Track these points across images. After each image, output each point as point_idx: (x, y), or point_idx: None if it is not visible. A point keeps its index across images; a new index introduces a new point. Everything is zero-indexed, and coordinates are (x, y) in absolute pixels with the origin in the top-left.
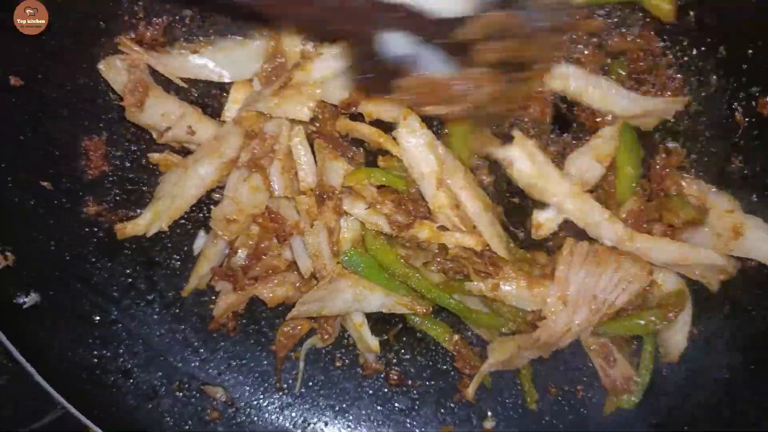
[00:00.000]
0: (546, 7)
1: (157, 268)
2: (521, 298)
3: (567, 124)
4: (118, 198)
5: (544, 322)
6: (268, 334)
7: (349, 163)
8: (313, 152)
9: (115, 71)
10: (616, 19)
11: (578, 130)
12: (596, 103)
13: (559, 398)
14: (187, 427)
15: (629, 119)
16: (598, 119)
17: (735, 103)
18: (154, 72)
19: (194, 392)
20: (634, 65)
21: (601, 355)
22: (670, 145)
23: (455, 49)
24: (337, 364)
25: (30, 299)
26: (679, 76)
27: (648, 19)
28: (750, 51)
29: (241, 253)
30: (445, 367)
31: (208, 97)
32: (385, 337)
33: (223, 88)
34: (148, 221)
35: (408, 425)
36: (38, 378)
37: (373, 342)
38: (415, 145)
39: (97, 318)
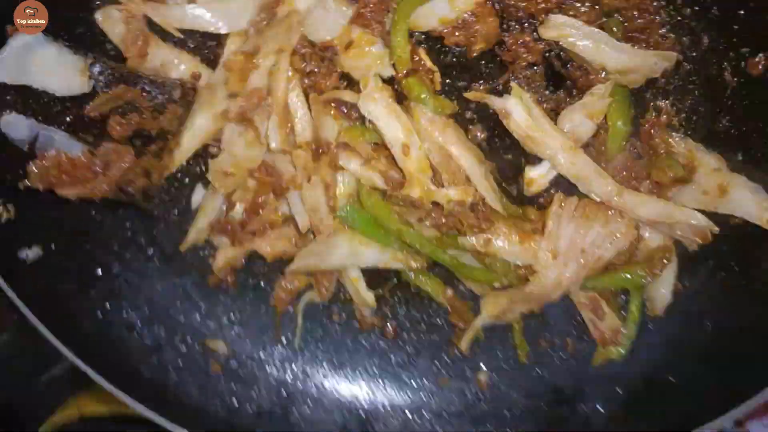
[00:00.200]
0: (161, 83)
1: (156, 221)
2: (513, 253)
3: (561, 81)
4: None
5: (534, 276)
6: (266, 288)
7: (344, 118)
8: (309, 107)
9: (112, 22)
10: None
11: (571, 88)
12: (589, 54)
13: (550, 351)
14: (191, 379)
15: (619, 74)
16: (591, 77)
17: (725, 63)
18: (149, 22)
19: (196, 345)
20: (628, 23)
21: (590, 308)
22: (660, 103)
23: (84, 127)
24: (335, 318)
25: (33, 253)
26: (671, 35)
27: None
28: (741, 11)
29: (239, 208)
30: (439, 321)
31: (204, 49)
32: (381, 292)
33: (219, 40)
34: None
35: (405, 378)
36: (44, 331)
37: (369, 297)
38: (377, 113)
39: (99, 271)
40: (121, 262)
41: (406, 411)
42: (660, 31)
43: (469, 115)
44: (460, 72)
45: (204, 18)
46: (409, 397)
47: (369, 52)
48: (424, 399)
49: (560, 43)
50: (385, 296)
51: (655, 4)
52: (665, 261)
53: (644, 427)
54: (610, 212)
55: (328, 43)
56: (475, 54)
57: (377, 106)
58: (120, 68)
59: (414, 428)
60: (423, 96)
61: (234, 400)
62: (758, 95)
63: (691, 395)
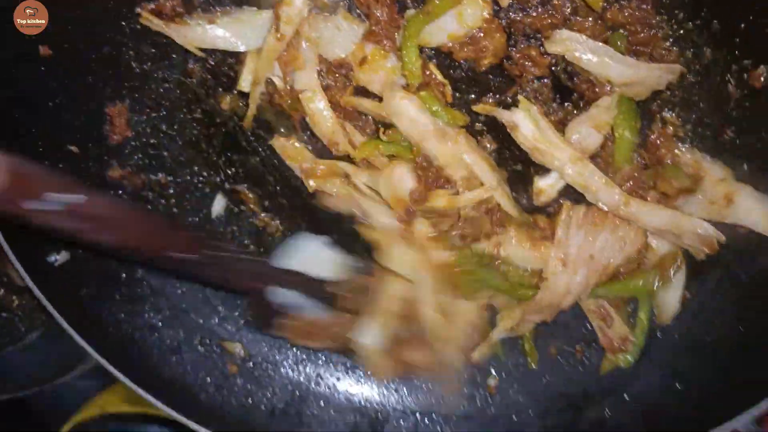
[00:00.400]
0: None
1: None
2: (524, 258)
3: (568, 94)
4: (140, 162)
5: (545, 284)
6: None
7: (359, 131)
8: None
9: None
10: None
11: (578, 100)
12: (594, 68)
13: (559, 358)
14: (209, 379)
15: (625, 87)
16: (597, 89)
17: (728, 76)
18: None
19: (214, 347)
20: (632, 37)
21: (599, 316)
22: (666, 115)
23: (326, 299)
24: None
25: (61, 257)
26: (674, 48)
27: None
28: (742, 25)
29: None
30: None
31: (224, 66)
32: None
33: (238, 57)
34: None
35: (416, 381)
36: (71, 331)
37: None
38: (403, 108)
39: (124, 275)
40: (144, 266)
41: (417, 414)
42: (663, 45)
43: (478, 126)
44: (469, 85)
45: (223, 37)
46: (419, 400)
47: (383, 65)
48: (434, 402)
49: (566, 57)
50: None
51: (657, 18)
52: (677, 266)
53: None
54: (617, 220)
55: (343, 60)
56: (483, 68)
57: (406, 102)
58: None
59: (424, 430)
60: (435, 109)
61: (249, 399)
62: (762, 106)
63: (698, 403)
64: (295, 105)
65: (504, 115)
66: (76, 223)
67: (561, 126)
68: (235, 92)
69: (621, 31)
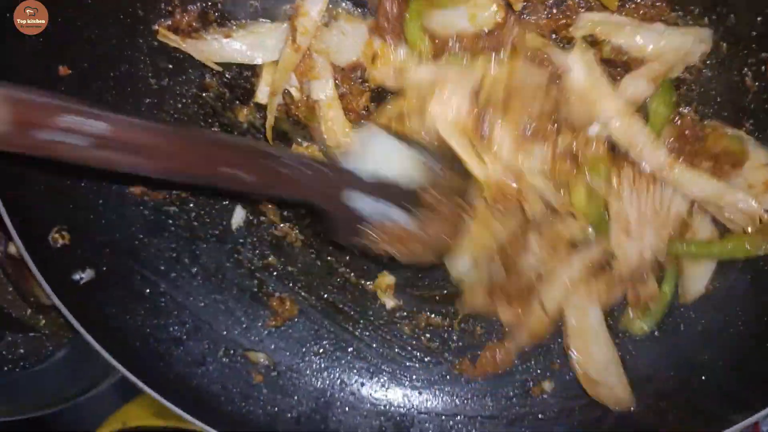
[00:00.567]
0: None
1: (198, 242)
2: None
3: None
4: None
5: (616, 261)
6: None
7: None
8: None
9: None
10: None
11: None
12: (626, 41)
13: None
14: (235, 389)
15: (659, 61)
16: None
17: (745, 69)
18: None
19: (239, 358)
20: None
21: None
22: (684, 111)
23: (411, 205)
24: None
25: (86, 275)
26: None
27: None
28: (759, 18)
29: None
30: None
31: (240, 79)
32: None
33: (254, 70)
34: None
35: (440, 386)
36: (99, 348)
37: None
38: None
39: (147, 290)
40: (167, 280)
41: (442, 416)
42: None
43: None
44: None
45: (240, 51)
46: (444, 402)
47: (395, 57)
48: (459, 404)
49: (596, 36)
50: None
51: (672, 14)
52: None
53: (677, 427)
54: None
55: (355, 63)
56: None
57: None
58: None
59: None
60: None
61: (275, 408)
62: None
63: (722, 395)
64: (311, 115)
65: (558, 56)
66: (108, 153)
67: None
68: (252, 104)
69: None
